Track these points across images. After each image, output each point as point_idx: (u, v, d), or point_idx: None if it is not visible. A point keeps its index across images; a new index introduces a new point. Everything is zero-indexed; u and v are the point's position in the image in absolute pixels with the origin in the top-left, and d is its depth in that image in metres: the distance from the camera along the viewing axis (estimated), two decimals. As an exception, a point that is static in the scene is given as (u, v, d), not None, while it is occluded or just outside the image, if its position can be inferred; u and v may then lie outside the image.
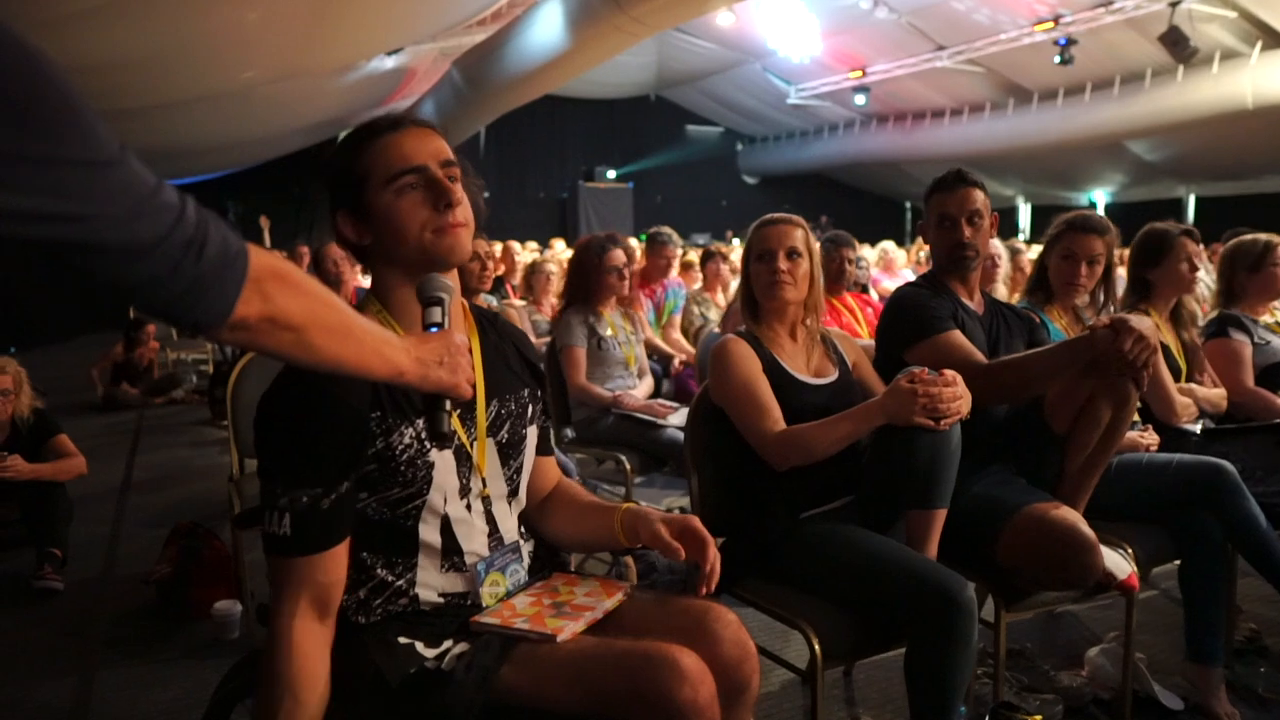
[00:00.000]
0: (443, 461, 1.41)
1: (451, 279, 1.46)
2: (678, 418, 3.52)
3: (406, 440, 1.37)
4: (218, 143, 10.77)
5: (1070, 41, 12.15)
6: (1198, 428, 2.86)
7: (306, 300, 1.03)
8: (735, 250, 8.83)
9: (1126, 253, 3.11)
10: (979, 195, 2.42)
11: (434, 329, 1.27)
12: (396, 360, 1.16)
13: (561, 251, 8.95)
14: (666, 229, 5.37)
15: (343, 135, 1.46)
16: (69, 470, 3.70)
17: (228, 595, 3.13)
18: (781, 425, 2.09)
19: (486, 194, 1.58)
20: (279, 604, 1.29)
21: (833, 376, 2.25)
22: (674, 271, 5.54)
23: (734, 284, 6.04)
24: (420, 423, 1.37)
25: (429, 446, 1.38)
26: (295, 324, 1.02)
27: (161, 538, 3.49)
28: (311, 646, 1.28)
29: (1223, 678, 2.48)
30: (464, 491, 1.44)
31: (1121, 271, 3.20)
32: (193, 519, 3.57)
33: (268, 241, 10.29)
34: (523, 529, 1.58)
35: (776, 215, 2.28)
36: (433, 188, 1.38)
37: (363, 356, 1.12)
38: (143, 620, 3.20)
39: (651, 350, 4.50)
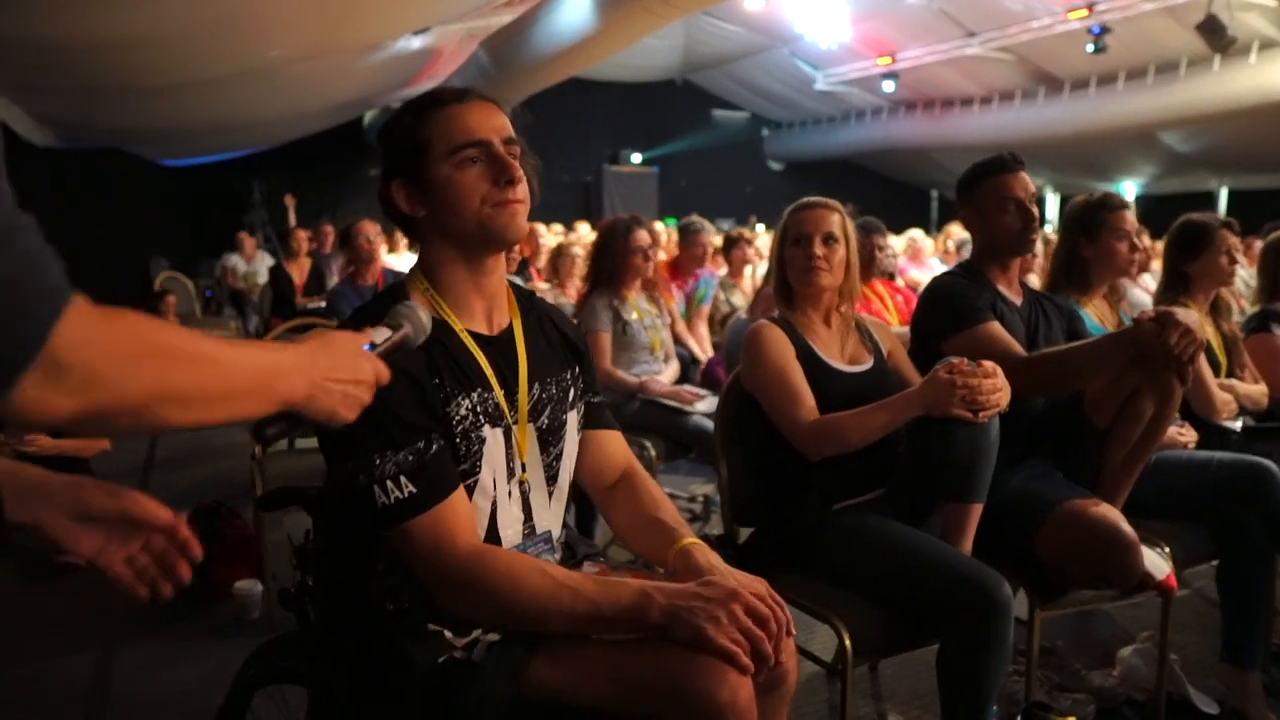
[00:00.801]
0: (494, 439, 1.38)
1: (500, 258, 1.43)
2: (705, 405, 3.48)
3: (463, 411, 1.35)
4: (243, 121, 10.75)
5: (1104, 29, 11.91)
6: (1238, 425, 2.79)
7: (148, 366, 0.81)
8: (760, 236, 8.76)
9: (1159, 245, 3.04)
10: (1030, 180, 2.37)
11: (369, 348, 1.14)
12: (284, 389, 0.99)
13: (587, 235, 8.89)
14: (699, 218, 5.26)
15: (402, 104, 1.43)
16: (92, 447, 3.71)
17: (249, 575, 3.12)
18: (815, 413, 2.04)
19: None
20: (437, 567, 1.28)
21: (867, 364, 2.20)
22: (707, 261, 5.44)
23: (759, 269, 5.98)
24: (475, 395, 1.36)
25: (482, 421, 1.36)
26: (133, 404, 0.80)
27: (183, 517, 3.48)
28: (500, 556, 1.28)
29: (1260, 682, 2.43)
30: (509, 475, 1.42)
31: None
32: (215, 498, 3.57)
33: (293, 220, 10.33)
34: (562, 522, 1.54)
35: (813, 199, 2.22)
36: (495, 163, 1.36)
37: (234, 404, 0.92)
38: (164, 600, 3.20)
39: (676, 340, 4.44)
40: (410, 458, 1.27)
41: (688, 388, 3.65)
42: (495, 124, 1.38)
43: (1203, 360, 2.66)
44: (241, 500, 3.69)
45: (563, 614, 1.24)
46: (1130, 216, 2.63)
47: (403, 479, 1.26)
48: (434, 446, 1.30)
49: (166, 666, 2.70)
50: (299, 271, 7.11)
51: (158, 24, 5.86)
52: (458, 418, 1.34)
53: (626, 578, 1.47)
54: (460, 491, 1.32)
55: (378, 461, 1.26)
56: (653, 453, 3.37)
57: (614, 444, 1.61)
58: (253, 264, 9.81)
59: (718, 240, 6.56)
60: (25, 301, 0.71)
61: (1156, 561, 2.11)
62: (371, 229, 4.81)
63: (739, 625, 1.21)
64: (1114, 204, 2.65)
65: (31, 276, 0.72)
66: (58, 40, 5.61)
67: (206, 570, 3.19)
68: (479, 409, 1.36)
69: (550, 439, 1.48)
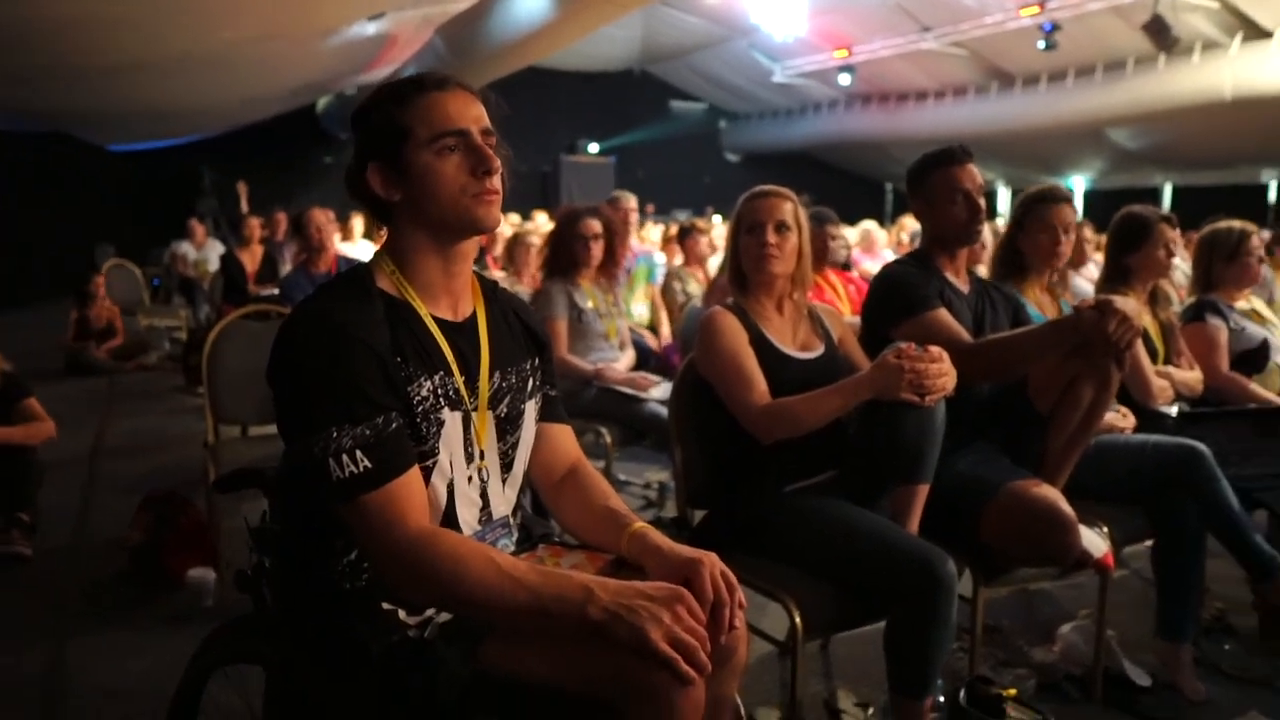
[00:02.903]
0: (452, 422, 1.39)
1: (471, 247, 1.45)
2: (659, 391, 3.52)
3: (424, 392, 1.36)
4: (194, 105, 10.58)
5: (1055, 27, 12.14)
6: (1174, 410, 2.88)
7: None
8: (716, 227, 8.80)
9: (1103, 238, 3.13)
10: (978, 172, 2.42)
11: None
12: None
13: (544, 224, 8.88)
14: (618, 191, 5.35)
15: (380, 86, 1.43)
16: (38, 434, 3.63)
17: (203, 563, 3.10)
18: (767, 398, 2.09)
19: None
20: (386, 545, 1.27)
21: (819, 351, 2.25)
22: (632, 234, 5.48)
23: (713, 260, 6.03)
24: (436, 378, 1.37)
25: (442, 404, 1.37)
26: None
27: (134, 505, 3.44)
28: (447, 539, 1.28)
29: (1191, 655, 2.53)
30: (468, 459, 1.43)
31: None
32: (167, 486, 3.53)
33: (245, 207, 10.17)
34: (516, 507, 1.56)
35: (767, 188, 2.26)
36: (474, 153, 1.37)
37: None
38: (115, 588, 3.17)
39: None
40: (368, 432, 1.27)
41: (642, 374, 3.68)
42: (475, 113, 1.40)
43: (1140, 347, 2.75)
44: (193, 489, 3.66)
45: (504, 604, 1.24)
46: (1064, 211, 2.68)
47: (359, 453, 1.26)
48: (393, 424, 1.30)
49: (119, 656, 2.68)
50: (251, 259, 7.02)
51: (105, 3, 5.75)
52: (419, 398, 1.35)
53: (581, 559, 1.50)
54: (415, 471, 1.32)
55: (335, 435, 1.27)
56: (608, 439, 3.40)
57: (565, 438, 1.63)
58: (203, 251, 9.66)
59: (673, 229, 6.59)
60: None
61: (1094, 540, 2.19)
62: (322, 217, 4.76)
63: (683, 626, 1.20)
64: (1049, 197, 2.71)
65: None
66: (4, 17, 5.47)
67: (159, 558, 3.17)
68: (440, 391, 1.37)
69: (508, 427, 1.50)
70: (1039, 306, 2.69)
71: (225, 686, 1.60)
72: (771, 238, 2.19)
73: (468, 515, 1.44)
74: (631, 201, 5.37)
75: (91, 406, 6.16)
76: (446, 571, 1.25)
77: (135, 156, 13.31)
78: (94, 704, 2.44)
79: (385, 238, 1.47)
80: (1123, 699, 2.43)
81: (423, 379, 1.36)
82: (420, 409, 1.35)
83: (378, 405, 1.29)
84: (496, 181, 1.39)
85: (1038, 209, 2.70)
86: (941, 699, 2.21)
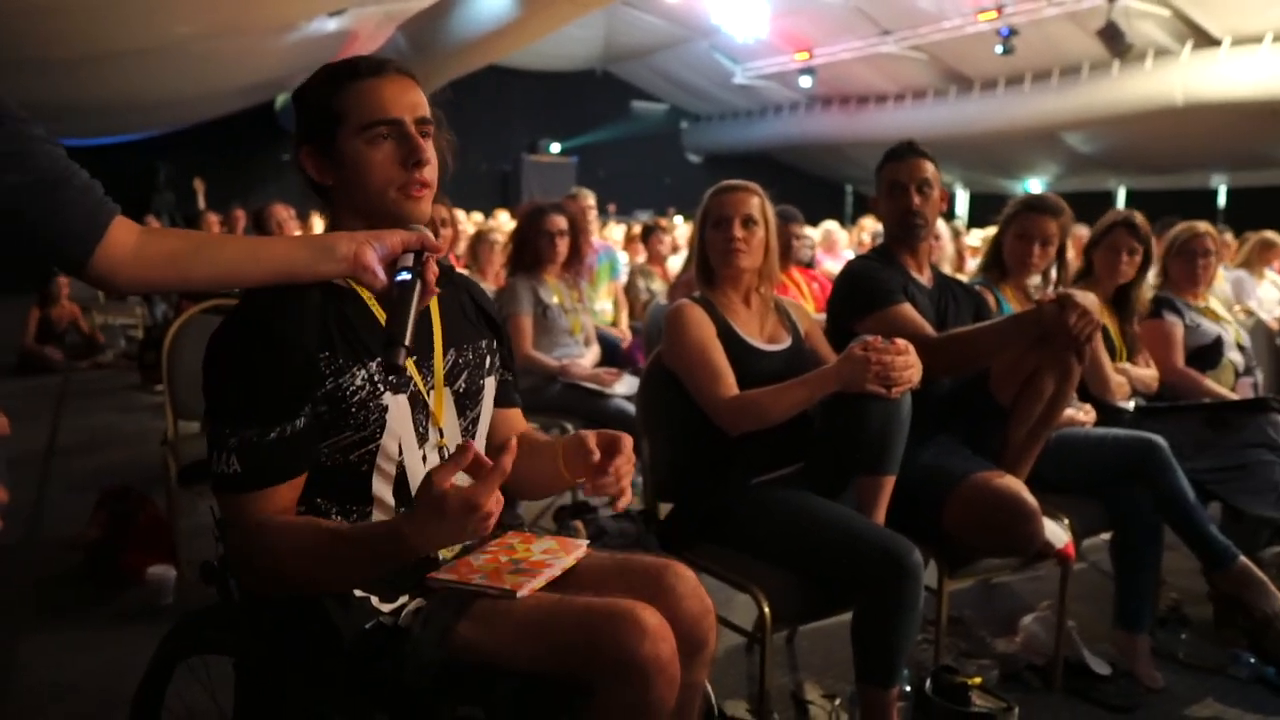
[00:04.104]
0: (397, 407, 1.36)
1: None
2: (624, 386, 3.52)
3: (359, 382, 1.33)
4: (149, 100, 10.38)
5: (1012, 32, 12.33)
6: (1131, 405, 2.94)
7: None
8: (677, 228, 8.82)
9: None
10: (929, 166, 2.45)
11: (408, 273, 1.27)
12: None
13: (506, 222, 8.84)
14: (576, 188, 5.37)
15: (320, 68, 1.40)
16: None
17: (161, 560, 3.04)
18: (735, 390, 2.09)
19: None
20: (233, 537, 1.30)
21: (786, 344, 2.27)
22: (594, 231, 5.49)
23: (674, 259, 6.05)
24: (374, 365, 1.34)
25: (382, 390, 1.34)
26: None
27: (89, 502, 3.38)
28: (270, 530, 1.27)
29: (1149, 644, 2.58)
30: (421, 440, 1.40)
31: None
32: (123, 483, 3.47)
33: (202, 203, 10.01)
34: None
35: (733, 182, 2.27)
36: (405, 142, 1.35)
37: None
38: (70, 586, 3.10)
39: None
40: (253, 438, 1.26)
41: (607, 370, 3.68)
42: (409, 101, 1.37)
43: (1099, 343, 2.80)
44: (150, 486, 3.59)
45: (329, 564, 1.25)
46: (1042, 221, 2.74)
47: (233, 457, 1.26)
48: (280, 432, 1.27)
49: (74, 652, 2.63)
50: (209, 256, 6.90)
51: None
52: (352, 388, 1.32)
53: (553, 545, 1.50)
54: (288, 486, 1.30)
55: (225, 430, 1.27)
56: (574, 435, 3.39)
57: (516, 420, 1.64)
58: (159, 248, 9.47)
59: (636, 228, 6.58)
60: (98, 196, 1.12)
61: (1056, 531, 2.23)
62: (284, 213, 4.71)
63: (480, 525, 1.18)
64: (1033, 205, 2.78)
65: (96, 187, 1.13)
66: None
67: (115, 556, 3.11)
68: (377, 377, 1.34)
69: (468, 403, 1.48)
70: (1019, 307, 2.74)
71: (189, 681, 1.57)
72: (739, 232, 2.20)
73: None
74: (590, 199, 5.38)
75: (44, 403, 6.03)
76: (270, 557, 1.27)
77: (87, 152, 12.99)
78: (46, 700, 2.39)
79: (325, 226, 1.45)
80: (1083, 687, 2.47)
81: (355, 369, 1.33)
82: (355, 398, 1.32)
83: (268, 414, 1.27)
84: (428, 173, 1.37)
85: (1020, 215, 2.78)
86: (908, 688, 2.23)
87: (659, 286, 5.34)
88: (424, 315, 1.44)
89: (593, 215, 5.44)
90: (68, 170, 1.10)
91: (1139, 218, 2.97)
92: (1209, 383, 3.14)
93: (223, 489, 1.28)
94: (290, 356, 1.27)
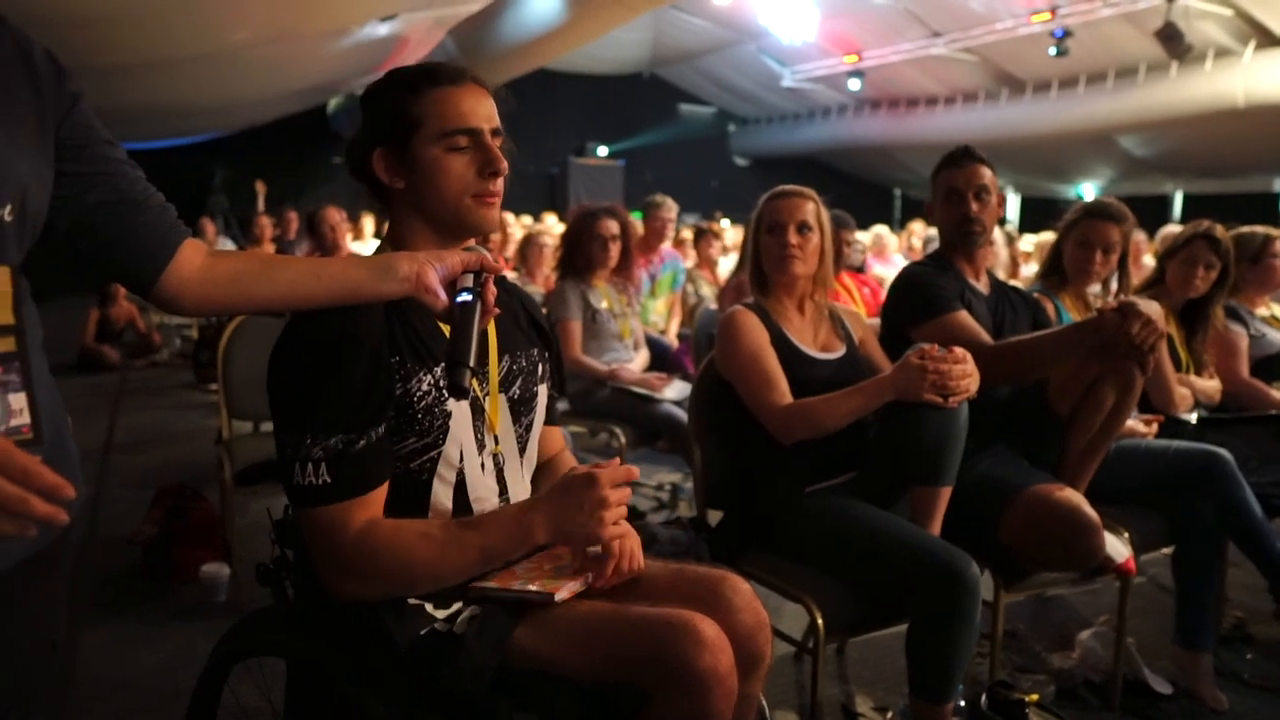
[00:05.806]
0: (460, 412, 1.38)
1: (470, 238, 1.43)
2: (673, 391, 3.51)
3: (424, 387, 1.34)
4: (207, 104, 10.59)
5: (1066, 33, 12.11)
6: (1193, 417, 2.86)
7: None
8: (725, 232, 8.79)
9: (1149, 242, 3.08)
10: (986, 172, 2.41)
11: (468, 294, 1.25)
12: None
13: (555, 225, 8.88)
14: (661, 196, 5.18)
15: (391, 71, 1.42)
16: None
17: (215, 558, 3.09)
18: (788, 398, 2.07)
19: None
20: (329, 551, 1.28)
21: (840, 352, 2.24)
22: (668, 241, 5.37)
23: (723, 262, 6.01)
24: (439, 370, 1.35)
25: (446, 396, 1.36)
26: None
27: (144, 499, 3.44)
28: (381, 531, 1.28)
29: (1211, 663, 2.50)
30: (480, 447, 1.41)
31: (1148, 259, 3.17)
32: (178, 481, 3.53)
33: (262, 205, 10.18)
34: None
35: (788, 187, 2.25)
36: (482, 153, 1.36)
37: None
38: (127, 582, 3.16)
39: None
40: (339, 446, 1.26)
41: (656, 374, 3.67)
42: (486, 111, 1.39)
43: (1164, 352, 2.73)
44: (205, 484, 3.66)
45: (457, 569, 1.30)
46: (1104, 228, 2.64)
47: (324, 466, 1.25)
48: (367, 439, 1.28)
49: (132, 647, 2.68)
50: (263, 258, 7.01)
51: (119, 2, 5.76)
52: (419, 394, 1.34)
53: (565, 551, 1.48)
54: (378, 492, 1.31)
55: (307, 441, 1.26)
56: (622, 439, 3.39)
57: (554, 438, 1.65)
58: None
59: (687, 233, 6.54)
60: (172, 219, 1.15)
61: (1116, 545, 2.18)
62: (337, 216, 4.76)
63: (614, 499, 1.27)
64: (1095, 211, 2.69)
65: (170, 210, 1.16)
66: (11, 14, 5.47)
67: (170, 553, 3.16)
68: (442, 383, 1.35)
69: (522, 409, 1.49)
70: (1079, 315, 2.68)
71: (244, 678, 1.59)
72: (793, 238, 2.18)
73: (486, 506, 1.43)
74: (672, 210, 5.17)
75: (102, 401, 6.16)
76: (392, 564, 1.27)
77: (145, 155, 13.25)
78: (104, 694, 2.43)
79: (387, 229, 1.46)
80: (1142, 706, 2.41)
81: (422, 374, 1.34)
82: (421, 404, 1.34)
83: (354, 421, 1.27)
84: (500, 184, 1.38)
85: (1082, 222, 2.69)
86: (962, 703, 2.19)
87: (708, 291, 5.31)
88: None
89: (670, 230, 5.31)
90: (146, 192, 1.13)
91: (1220, 231, 2.86)
92: (1275, 393, 3.04)
93: (311, 501, 1.27)
94: (366, 359, 1.28)
